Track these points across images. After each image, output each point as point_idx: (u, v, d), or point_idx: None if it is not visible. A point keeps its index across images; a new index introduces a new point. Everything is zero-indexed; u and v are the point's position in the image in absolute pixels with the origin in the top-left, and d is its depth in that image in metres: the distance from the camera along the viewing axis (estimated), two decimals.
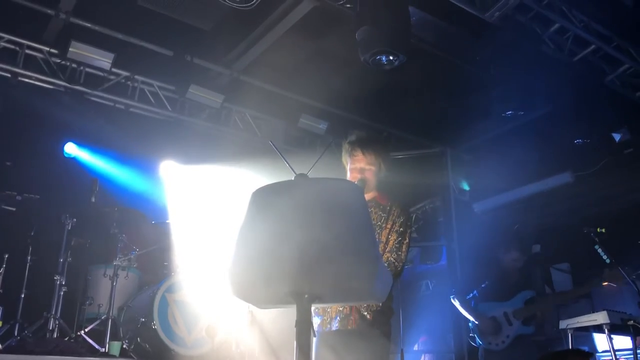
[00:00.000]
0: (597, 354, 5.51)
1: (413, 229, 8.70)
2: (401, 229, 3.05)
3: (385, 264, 2.86)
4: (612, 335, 4.11)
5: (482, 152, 8.23)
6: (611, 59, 5.98)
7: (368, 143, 3.23)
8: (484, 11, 5.20)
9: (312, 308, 3.00)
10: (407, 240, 3.06)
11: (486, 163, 8.02)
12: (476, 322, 4.90)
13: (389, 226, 3.05)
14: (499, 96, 5.47)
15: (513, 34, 5.29)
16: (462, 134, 7.98)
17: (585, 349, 5.25)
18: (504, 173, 7.38)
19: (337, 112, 7.48)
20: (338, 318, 2.97)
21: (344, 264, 1.55)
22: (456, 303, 5.07)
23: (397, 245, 3.01)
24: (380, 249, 2.98)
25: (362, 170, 3.18)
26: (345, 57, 6.27)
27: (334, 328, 2.97)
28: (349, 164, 3.24)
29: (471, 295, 5.11)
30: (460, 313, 5.14)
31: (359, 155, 3.19)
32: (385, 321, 3.05)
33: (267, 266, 1.59)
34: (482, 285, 5.09)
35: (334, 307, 2.98)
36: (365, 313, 2.96)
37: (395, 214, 3.09)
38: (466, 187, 7.99)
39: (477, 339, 4.94)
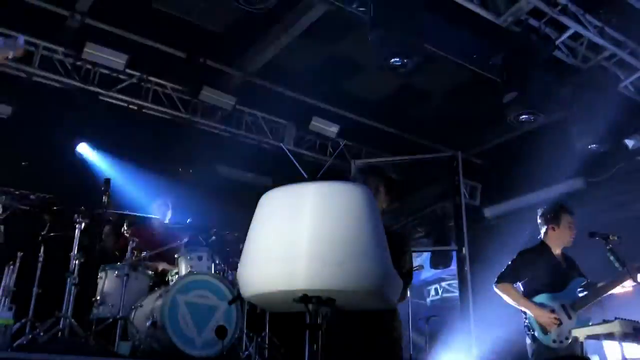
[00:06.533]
0: None
1: (422, 233, 8.75)
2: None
3: None
4: (623, 344, 4.06)
5: (493, 157, 8.19)
6: (626, 64, 5.94)
7: (369, 173, 3.30)
8: (498, 16, 5.19)
9: None
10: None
11: (497, 168, 7.99)
12: (534, 315, 4.19)
13: None
14: (512, 101, 5.45)
15: (526, 39, 5.27)
16: (473, 138, 7.96)
17: (597, 357, 5.20)
18: (515, 178, 7.34)
19: (349, 116, 7.49)
20: None
21: (355, 267, 1.55)
22: (504, 296, 4.30)
23: None
24: None
25: None
26: (357, 61, 6.30)
27: None
28: None
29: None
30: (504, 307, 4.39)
31: None
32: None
33: (277, 269, 1.60)
34: (527, 278, 4.35)
35: None
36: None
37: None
38: None
39: (537, 334, 4.19)
